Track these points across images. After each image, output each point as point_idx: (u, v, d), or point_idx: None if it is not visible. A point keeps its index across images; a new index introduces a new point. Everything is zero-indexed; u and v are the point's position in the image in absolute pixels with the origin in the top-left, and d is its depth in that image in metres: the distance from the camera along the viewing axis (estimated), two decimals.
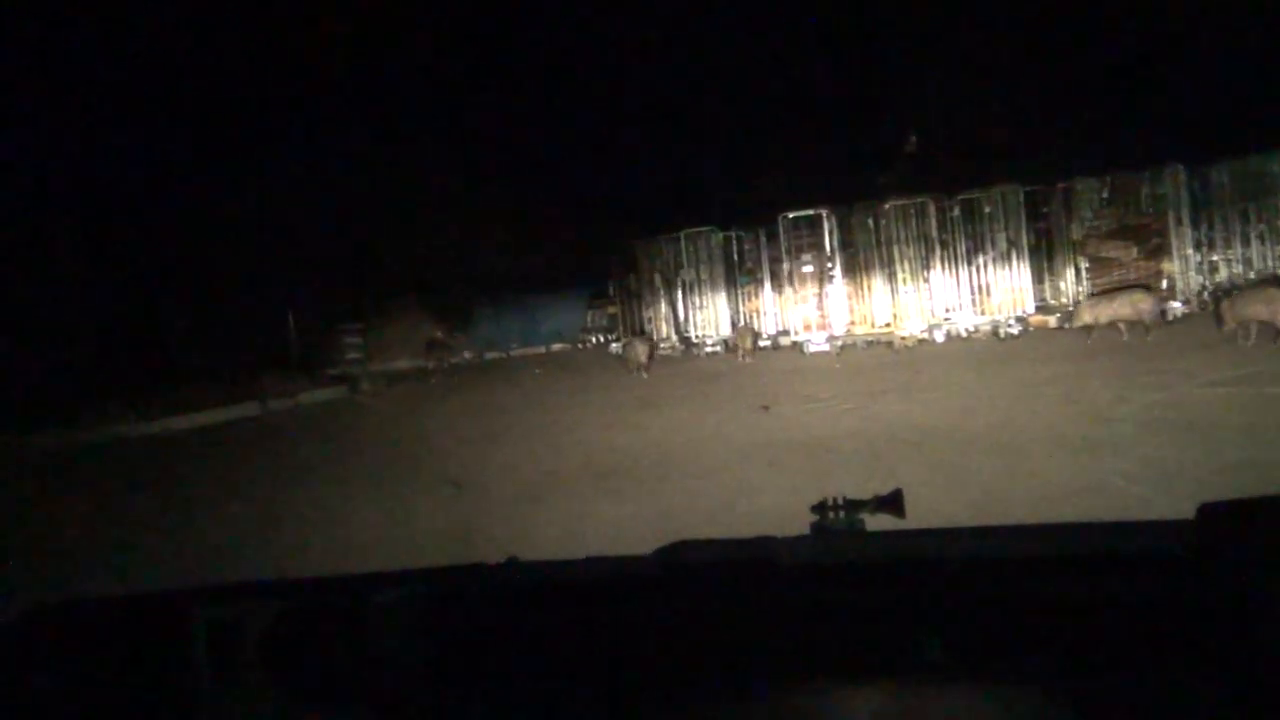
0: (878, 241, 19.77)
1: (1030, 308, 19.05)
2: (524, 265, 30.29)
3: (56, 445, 15.87)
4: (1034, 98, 23.04)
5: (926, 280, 19.57)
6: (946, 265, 19.71)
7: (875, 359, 18.17)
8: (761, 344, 21.84)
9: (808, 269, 20.00)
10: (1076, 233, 19.29)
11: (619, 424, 12.68)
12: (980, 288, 19.51)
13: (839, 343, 19.64)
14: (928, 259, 19.62)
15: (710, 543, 1.53)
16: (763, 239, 22.12)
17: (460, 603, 1.51)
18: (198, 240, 27.39)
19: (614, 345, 25.26)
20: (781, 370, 17.84)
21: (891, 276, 19.68)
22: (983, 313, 19.39)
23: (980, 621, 1.34)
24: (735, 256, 23.09)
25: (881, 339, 19.51)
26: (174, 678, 1.39)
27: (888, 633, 1.35)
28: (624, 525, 6.96)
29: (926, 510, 4.10)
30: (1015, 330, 18.82)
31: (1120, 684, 1.24)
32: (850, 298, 20.14)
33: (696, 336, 22.26)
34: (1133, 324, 16.03)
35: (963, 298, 19.61)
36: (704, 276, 22.57)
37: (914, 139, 25.91)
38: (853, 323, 20.10)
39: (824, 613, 1.39)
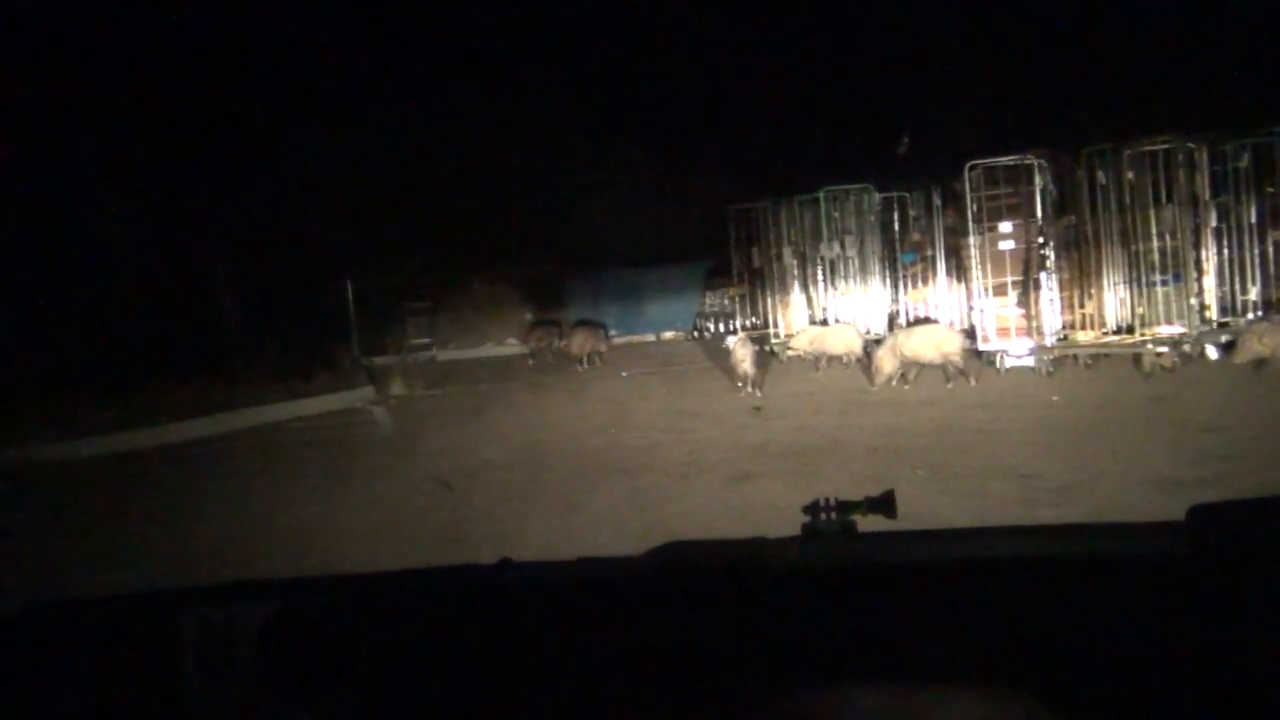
0: (1117, 205, 13.12)
1: None
2: (629, 234, 24.58)
3: None
4: None
5: (1195, 265, 12.83)
6: (1226, 243, 12.97)
7: (1116, 386, 11.72)
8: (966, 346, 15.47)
9: (1007, 245, 13.50)
10: None
11: None
12: None
13: (1051, 356, 13.14)
14: (1197, 233, 12.87)
15: (702, 544, 1.56)
16: (936, 201, 15.77)
17: (453, 603, 1.51)
18: (253, 208, 23.62)
19: (729, 339, 19.41)
20: (965, 401, 11.62)
21: (1137, 258, 13.01)
22: None
23: (972, 623, 1.33)
24: (897, 226, 16.82)
25: (1119, 352, 12.95)
26: (164, 677, 1.38)
27: (879, 634, 1.34)
28: None
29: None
30: None
31: (1111, 686, 1.23)
32: (1070, 288, 13.60)
33: None
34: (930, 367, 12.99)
35: (1252, 293, 12.86)
36: (851, 253, 16.35)
37: (906, 140, 19.07)
38: (1072, 327, 13.55)
39: (815, 614, 1.39)
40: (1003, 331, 13.51)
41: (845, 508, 1.66)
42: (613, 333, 23.79)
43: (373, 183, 24.14)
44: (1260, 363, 11.22)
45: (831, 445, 9.61)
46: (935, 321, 14.54)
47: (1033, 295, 13.27)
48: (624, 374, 17.52)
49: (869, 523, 1.66)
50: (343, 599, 1.51)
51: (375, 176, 24.08)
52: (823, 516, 1.65)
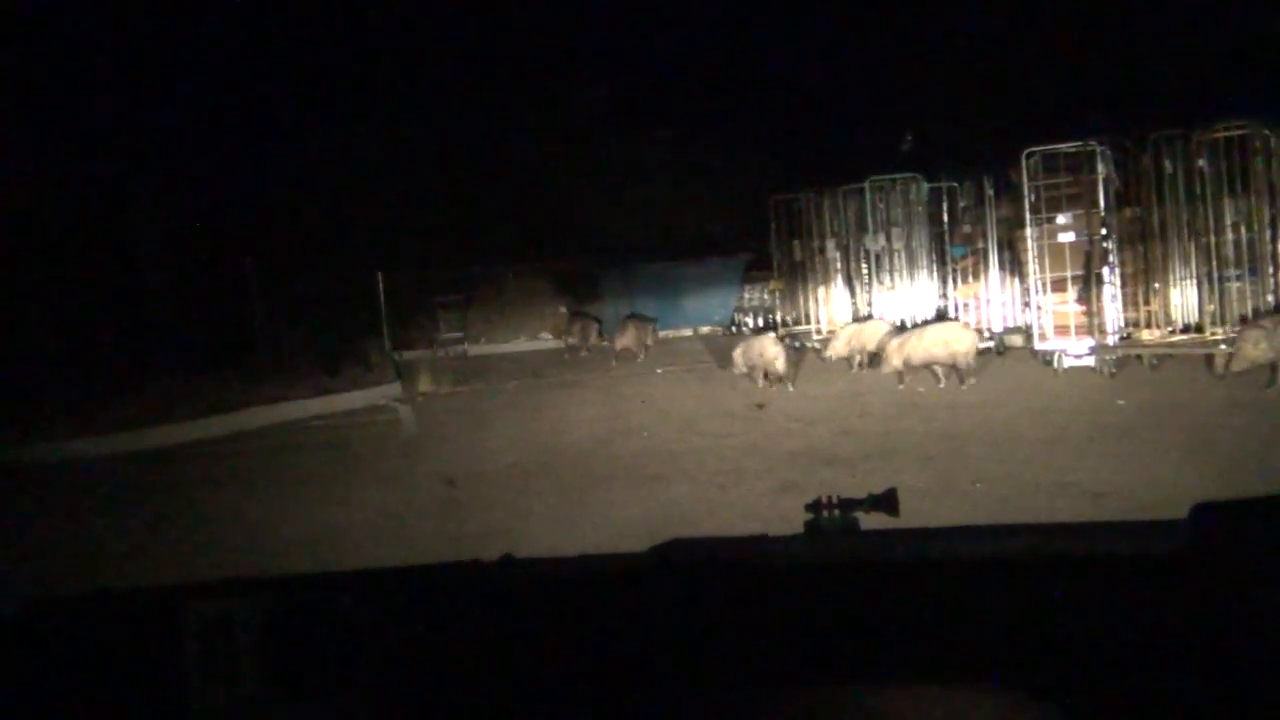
0: (1186, 194, 12.27)
1: None
2: (665, 226, 23.92)
3: None
4: None
5: (1271, 259, 11.93)
6: None
7: (1187, 389, 10.90)
8: (981, 345, 14.80)
9: (1066, 237, 12.67)
10: None
11: None
12: None
13: (1112, 355, 12.32)
14: (1273, 224, 11.98)
15: (704, 541, 1.59)
16: (989, 191, 14.96)
17: (455, 600, 1.50)
18: (284, 199, 23.34)
19: (767, 335, 18.69)
20: (1024, 405, 10.86)
21: (1208, 251, 12.16)
22: None
23: (973, 621, 1.33)
24: (946, 217, 16.02)
25: (1187, 353, 12.10)
26: (164, 673, 1.38)
27: (881, 632, 1.34)
28: None
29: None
30: None
31: (1112, 685, 1.23)
32: (1134, 283, 12.76)
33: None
34: (948, 369, 12.48)
35: None
36: (897, 246, 15.60)
37: (909, 138, 18.58)
38: (1136, 325, 12.72)
39: (817, 611, 1.39)
40: (1061, 329, 12.70)
41: (848, 505, 1.65)
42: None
43: (405, 174, 23.71)
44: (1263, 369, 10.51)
45: (880, 453, 8.93)
46: (951, 319, 14.05)
47: (1094, 291, 12.44)
48: (659, 371, 16.88)
49: (872, 520, 1.65)
50: (345, 594, 1.46)
51: (407, 168, 23.65)
52: (825, 514, 1.64)
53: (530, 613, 1.46)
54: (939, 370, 12.58)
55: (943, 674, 1.26)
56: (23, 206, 19.77)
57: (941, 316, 14.88)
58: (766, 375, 13.23)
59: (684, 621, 1.40)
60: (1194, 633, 1.21)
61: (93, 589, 1.64)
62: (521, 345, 23.75)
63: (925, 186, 15.60)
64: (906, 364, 12.54)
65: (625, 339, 18.98)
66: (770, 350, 13.16)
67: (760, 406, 12.02)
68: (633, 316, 20.40)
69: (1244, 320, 11.58)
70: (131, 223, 23.06)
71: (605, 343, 21.65)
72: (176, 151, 22.41)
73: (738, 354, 13.73)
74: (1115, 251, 12.48)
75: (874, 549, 1.56)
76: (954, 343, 12.36)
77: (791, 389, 13.03)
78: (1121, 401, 10.58)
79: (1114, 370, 12.19)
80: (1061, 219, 12.64)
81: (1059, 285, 12.71)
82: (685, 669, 1.35)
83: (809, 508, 1.66)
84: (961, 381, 12.24)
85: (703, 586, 1.45)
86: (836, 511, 1.64)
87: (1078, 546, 1.50)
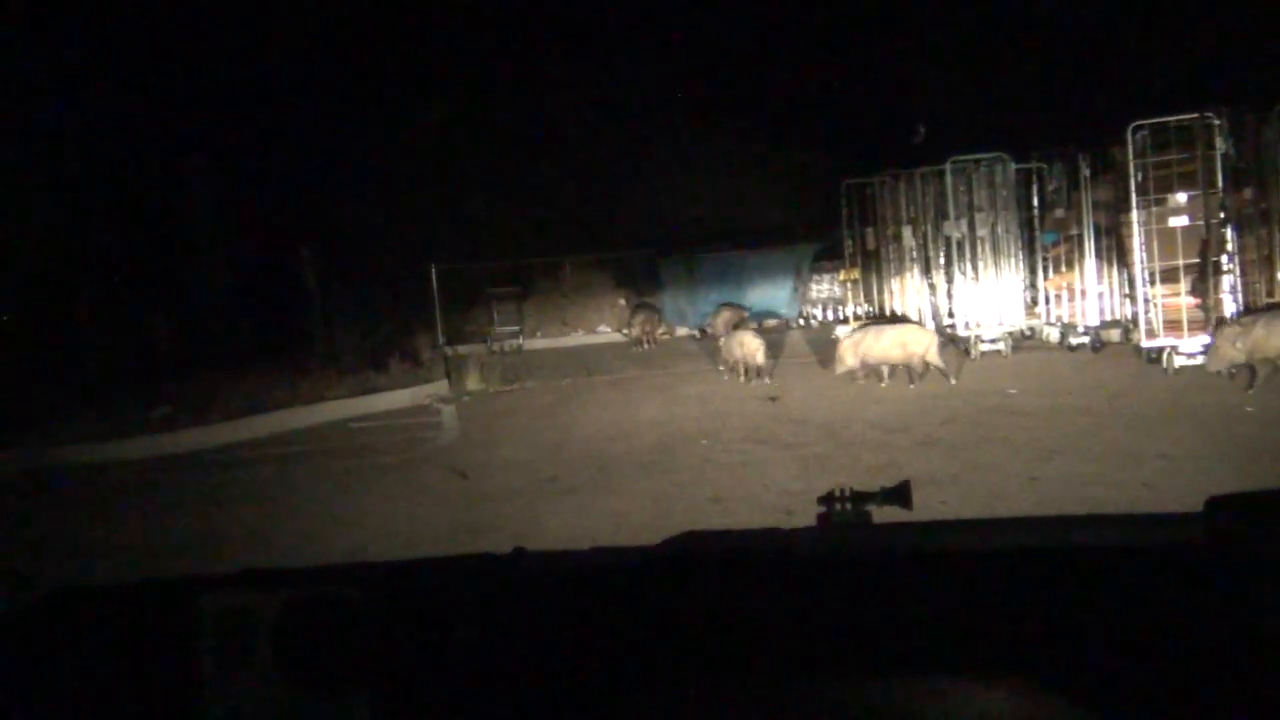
0: None
1: None
2: (729, 213, 22.81)
3: None
4: None
5: None
6: None
7: None
8: (1075, 341, 13.65)
9: (1179, 221, 11.31)
10: None
11: None
12: None
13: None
14: None
15: (717, 534, 1.58)
16: (1084, 169, 13.59)
17: (467, 593, 1.47)
18: (339, 191, 22.86)
19: (840, 329, 17.58)
20: (1134, 412, 9.57)
21: None
22: None
23: (986, 614, 1.29)
24: (1036, 200, 14.70)
25: None
26: (180, 666, 1.35)
27: (893, 625, 1.30)
28: None
29: None
30: None
31: (1127, 679, 1.19)
32: (1254, 272, 11.38)
33: (966, 329, 14.19)
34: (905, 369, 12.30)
35: None
36: (981, 232, 14.31)
37: (921, 130, 17.77)
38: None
39: (829, 604, 1.35)
40: (1172, 324, 11.34)
41: (861, 498, 1.63)
42: (709, 321, 22.19)
43: (461, 164, 23.00)
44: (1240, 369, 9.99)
45: (973, 469, 7.76)
46: (909, 320, 13.87)
47: (1211, 281, 11.07)
48: (720, 368, 15.79)
49: (884, 513, 1.62)
50: (359, 587, 1.38)
51: (463, 158, 22.95)
52: (838, 506, 1.62)
53: (542, 606, 1.40)
54: (885, 370, 12.42)
55: (956, 667, 1.20)
56: (75, 195, 19.49)
57: (894, 316, 14.61)
58: (746, 369, 13.41)
59: (696, 614, 1.34)
60: (1210, 626, 1.17)
61: (107, 582, 1.60)
62: (579, 339, 22.92)
63: (1012, 167, 14.32)
64: (862, 365, 12.35)
65: (721, 325, 18.96)
66: (750, 342, 13.34)
67: (773, 399, 11.89)
68: (727, 304, 20.46)
69: None
70: (186, 213, 22.77)
71: (666, 336, 20.90)
72: (232, 141, 22.03)
73: (722, 344, 14.43)
74: (1234, 237, 11.09)
75: (887, 542, 1.53)
76: (912, 344, 12.09)
77: (769, 381, 13.11)
78: (1250, 408, 9.24)
79: (1234, 371, 10.81)
80: (1175, 200, 11.26)
81: (1169, 275, 11.35)
82: (696, 662, 1.28)
83: (821, 501, 1.63)
84: (911, 381, 12.05)
85: (715, 579, 1.40)
86: (849, 504, 1.61)
87: (1092, 539, 1.47)
